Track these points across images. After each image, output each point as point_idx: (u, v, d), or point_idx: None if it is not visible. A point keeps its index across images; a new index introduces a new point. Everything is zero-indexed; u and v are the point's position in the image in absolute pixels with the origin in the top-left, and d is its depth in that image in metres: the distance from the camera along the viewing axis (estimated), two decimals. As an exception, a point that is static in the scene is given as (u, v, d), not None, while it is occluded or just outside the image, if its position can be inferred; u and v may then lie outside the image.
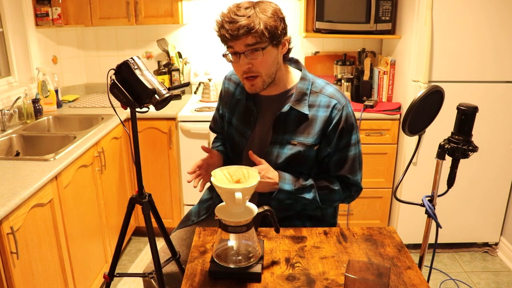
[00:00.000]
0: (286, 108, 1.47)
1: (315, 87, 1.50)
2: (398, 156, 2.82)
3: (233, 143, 1.61)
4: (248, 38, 1.33)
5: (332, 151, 1.49)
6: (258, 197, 1.51)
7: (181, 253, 1.55)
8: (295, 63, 1.57)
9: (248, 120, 1.55)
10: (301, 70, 1.54)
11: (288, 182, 1.46)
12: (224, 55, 1.42)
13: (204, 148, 1.55)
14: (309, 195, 1.48)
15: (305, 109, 1.46)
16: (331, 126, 1.45)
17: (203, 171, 1.53)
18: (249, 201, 1.27)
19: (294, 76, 1.52)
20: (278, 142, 1.49)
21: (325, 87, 1.51)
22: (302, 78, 1.51)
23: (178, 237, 1.64)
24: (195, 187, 1.52)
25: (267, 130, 1.52)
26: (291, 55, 1.54)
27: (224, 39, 1.37)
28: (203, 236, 1.42)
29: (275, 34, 1.36)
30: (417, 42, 2.55)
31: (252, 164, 1.45)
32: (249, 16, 1.32)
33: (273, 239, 1.40)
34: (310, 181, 1.49)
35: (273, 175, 1.45)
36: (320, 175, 1.53)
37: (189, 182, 1.50)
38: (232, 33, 1.32)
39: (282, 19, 1.39)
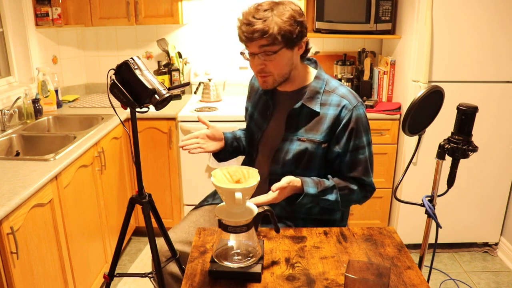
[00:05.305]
0: (297, 104, 1.50)
1: (328, 87, 1.53)
2: (398, 156, 2.82)
3: (251, 136, 1.68)
4: (261, 41, 1.38)
5: (342, 152, 1.50)
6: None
7: (189, 234, 1.56)
8: (314, 63, 1.62)
9: (265, 114, 1.61)
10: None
11: (311, 185, 1.46)
12: (241, 53, 1.49)
13: (199, 119, 1.66)
14: (331, 197, 1.48)
15: (316, 107, 1.49)
16: (340, 126, 1.47)
17: (201, 140, 1.63)
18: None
19: (311, 75, 1.56)
20: (289, 138, 1.53)
21: (339, 87, 1.53)
22: (317, 77, 1.54)
23: (191, 221, 1.65)
24: (189, 151, 1.59)
25: (281, 125, 1.56)
26: None
27: (240, 39, 1.44)
28: (203, 236, 1.42)
29: (290, 37, 1.39)
30: (417, 42, 2.55)
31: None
32: (264, 20, 1.36)
33: (273, 239, 1.40)
34: (331, 182, 1.50)
35: (296, 180, 1.44)
36: (334, 177, 1.54)
37: (182, 147, 1.59)
38: (247, 35, 1.39)
39: (299, 23, 1.41)
